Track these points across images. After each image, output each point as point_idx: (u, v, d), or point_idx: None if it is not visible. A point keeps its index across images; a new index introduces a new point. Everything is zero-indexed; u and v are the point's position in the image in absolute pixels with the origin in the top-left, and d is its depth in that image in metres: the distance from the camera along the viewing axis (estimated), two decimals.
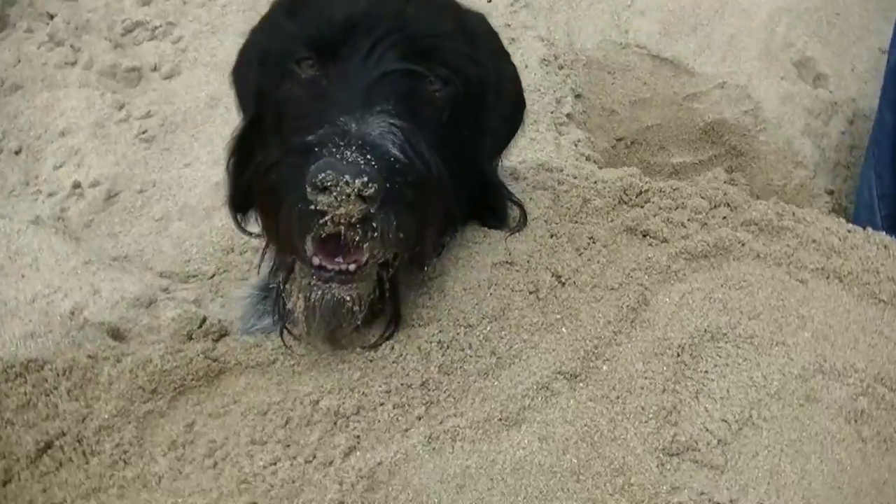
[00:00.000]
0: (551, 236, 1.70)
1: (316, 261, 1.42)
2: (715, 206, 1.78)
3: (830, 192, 2.88)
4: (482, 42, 1.69)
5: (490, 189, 1.74)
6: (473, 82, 1.61)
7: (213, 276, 2.41)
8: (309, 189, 1.29)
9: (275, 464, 1.37)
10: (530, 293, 1.59)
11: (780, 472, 1.39)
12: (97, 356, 1.65)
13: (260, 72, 1.66)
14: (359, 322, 1.50)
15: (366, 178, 1.27)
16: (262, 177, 1.45)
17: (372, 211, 1.31)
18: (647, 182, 1.83)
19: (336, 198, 1.27)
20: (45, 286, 2.11)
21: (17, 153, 2.86)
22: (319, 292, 1.44)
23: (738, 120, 2.90)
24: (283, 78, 1.60)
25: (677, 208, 1.78)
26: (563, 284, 1.61)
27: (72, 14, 3.29)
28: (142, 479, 1.44)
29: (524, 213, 1.72)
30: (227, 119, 2.98)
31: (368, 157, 1.31)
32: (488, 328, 1.54)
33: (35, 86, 3.09)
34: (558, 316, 1.57)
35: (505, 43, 3.10)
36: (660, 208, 1.77)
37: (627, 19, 3.39)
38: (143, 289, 2.23)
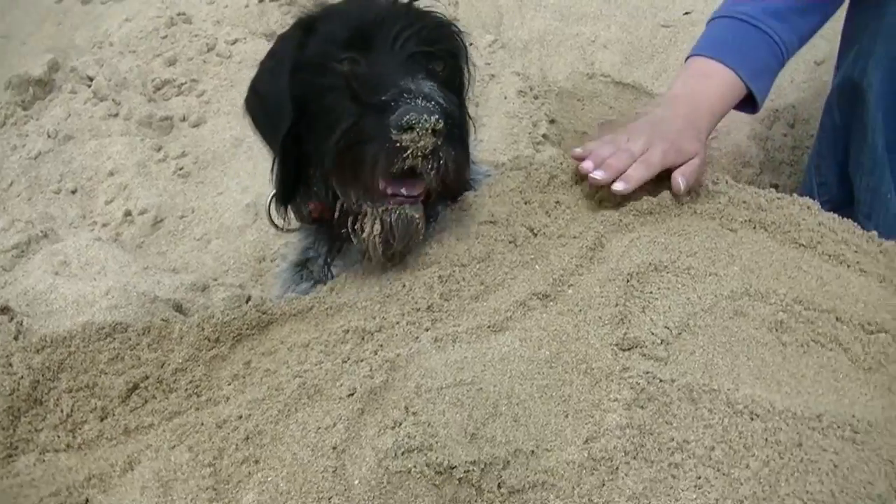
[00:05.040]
0: (525, 202, 2.02)
1: (390, 190, 1.82)
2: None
3: (776, 186, 3.13)
4: (456, 33, 2.10)
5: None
6: (459, 59, 2.06)
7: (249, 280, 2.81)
8: (395, 132, 1.71)
9: (319, 364, 1.67)
10: (509, 242, 1.91)
11: (713, 364, 1.62)
12: (169, 319, 1.96)
13: (293, 83, 1.98)
14: (422, 236, 1.90)
15: (436, 116, 1.70)
16: (342, 138, 1.82)
17: (439, 143, 1.74)
18: None
19: (418, 133, 1.70)
20: (115, 282, 2.46)
21: (73, 192, 3.26)
22: (396, 214, 1.82)
23: None
24: (325, 77, 1.94)
25: None
26: (536, 235, 1.92)
27: (111, 73, 3.70)
28: (213, 401, 1.71)
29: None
30: (250, 156, 3.41)
31: (432, 103, 1.73)
32: (477, 267, 1.86)
33: (84, 135, 3.50)
34: (532, 256, 1.87)
35: (486, 78, 3.51)
36: None
37: (592, 53, 3.74)
38: (198, 278, 2.63)
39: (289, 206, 2.17)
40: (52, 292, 2.47)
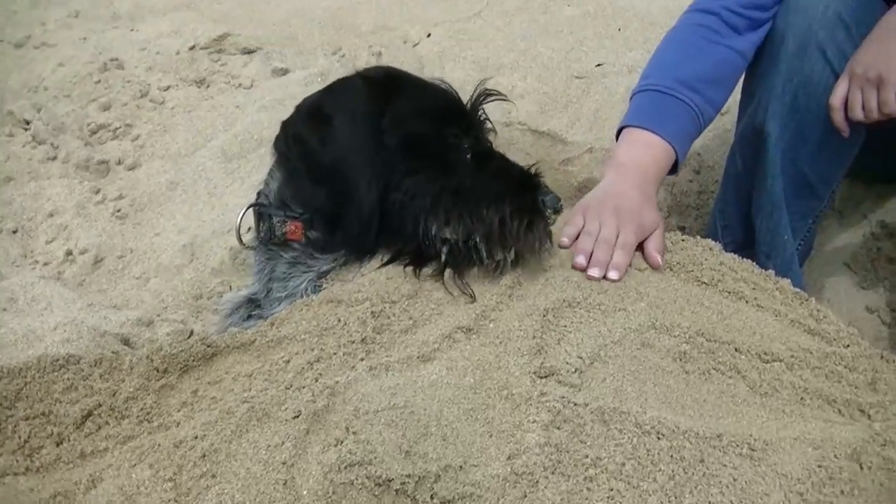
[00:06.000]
0: None
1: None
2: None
3: (682, 228, 3.32)
4: None
5: None
6: None
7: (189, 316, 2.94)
8: (550, 211, 2.15)
9: (264, 390, 1.80)
10: (436, 280, 2.07)
11: (623, 390, 1.79)
12: (118, 352, 2.07)
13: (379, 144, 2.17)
14: None
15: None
16: (493, 205, 2.12)
17: None
18: None
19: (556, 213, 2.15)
20: (63, 318, 2.57)
21: (14, 232, 3.36)
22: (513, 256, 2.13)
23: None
24: (437, 146, 2.23)
25: None
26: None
27: (49, 118, 3.83)
28: (164, 426, 1.82)
29: None
30: (185, 199, 3.56)
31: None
32: (406, 303, 2.01)
33: (24, 177, 3.62)
34: (457, 293, 2.03)
35: None
36: None
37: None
38: (142, 314, 2.76)
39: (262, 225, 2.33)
40: (2, 327, 2.57)
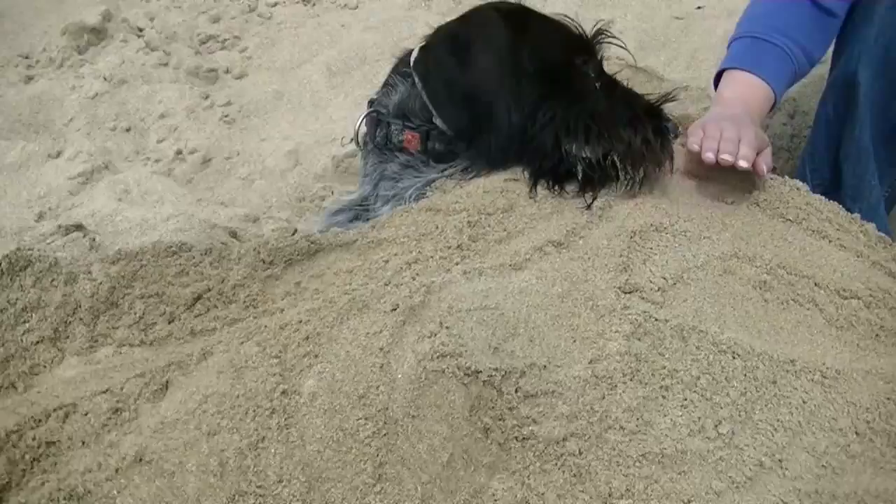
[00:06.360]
0: None
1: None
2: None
3: (773, 169, 3.36)
4: None
5: None
6: None
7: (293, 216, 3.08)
8: (672, 136, 2.28)
9: (364, 285, 1.93)
10: (530, 197, 2.15)
11: (702, 310, 1.89)
12: (227, 243, 2.20)
13: (538, 69, 2.30)
14: None
15: None
16: (629, 127, 2.26)
17: None
18: None
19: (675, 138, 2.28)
20: (175, 210, 2.72)
21: (127, 130, 3.54)
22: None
23: (699, 115, 3.33)
24: (571, 73, 2.36)
25: None
26: (554, 196, 2.18)
27: (161, 27, 4.00)
28: (269, 311, 1.96)
29: None
30: (290, 108, 3.72)
31: None
32: (501, 216, 2.10)
33: (137, 81, 3.79)
34: (549, 211, 2.11)
35: None
36: None
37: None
38: (249, 211, 2.90)
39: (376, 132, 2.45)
40: (118, 215, 2.72)
